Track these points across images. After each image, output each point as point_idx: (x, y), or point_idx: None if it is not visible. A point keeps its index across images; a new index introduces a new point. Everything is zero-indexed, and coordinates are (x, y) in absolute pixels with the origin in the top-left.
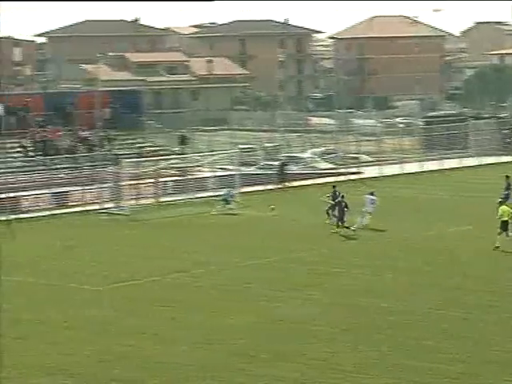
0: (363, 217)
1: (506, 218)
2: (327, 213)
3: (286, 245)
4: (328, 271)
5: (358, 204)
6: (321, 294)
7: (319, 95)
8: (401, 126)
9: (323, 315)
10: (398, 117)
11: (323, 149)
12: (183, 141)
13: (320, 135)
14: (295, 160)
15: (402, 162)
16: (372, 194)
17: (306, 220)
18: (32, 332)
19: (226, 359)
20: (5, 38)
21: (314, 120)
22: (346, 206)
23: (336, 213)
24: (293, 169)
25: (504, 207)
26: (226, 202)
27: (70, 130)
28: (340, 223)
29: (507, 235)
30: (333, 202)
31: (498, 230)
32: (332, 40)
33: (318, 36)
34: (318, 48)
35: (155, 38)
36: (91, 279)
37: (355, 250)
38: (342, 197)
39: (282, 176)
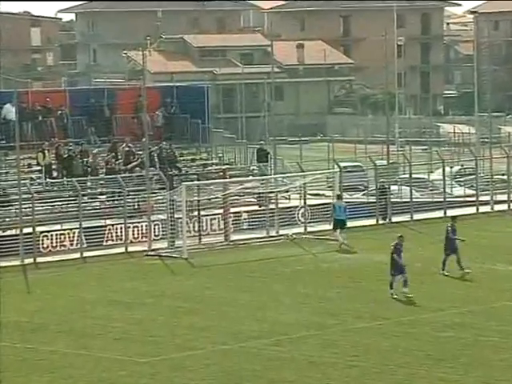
0: None
1: None
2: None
3: (405, 301)
4: (478, 341)
5: None
6: (456, 371)
7: (453, 93)
8: None
9: None
10: None
11: (459, 168)
12: (263, 156)
13: (454, 149)
14: (419, 183)
15: None
16: None
17: (433, 265)
18: None
19: None
20: (19, 14)
21: (446, 127)
22: None
23: None
24: (416, 195)
25: None
26: None
27: (107, 142)
28: None
29: None
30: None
31: None
32: (472, 16)
33: (453, 10)
34: (453, 27)
35: (225, 14)
36: (139, 348)
37: None
38: None
39: (384, 206)
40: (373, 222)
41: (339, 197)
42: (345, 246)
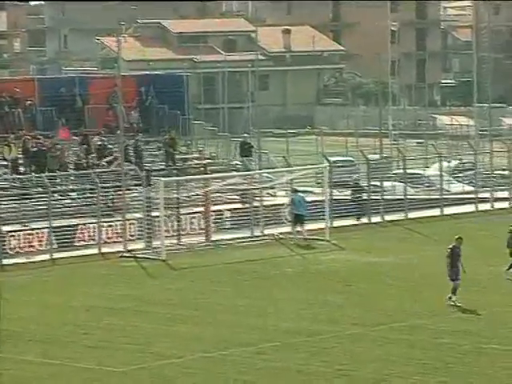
0: None
1: None
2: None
3: (402, 306)
4: (477, 348)
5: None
6: (454, 381)
7: (451, 82)
8: None
9: None
10: None
11: (457, 162)
12: (247, 150)
13: (452, 142)
14: (414, 179)
15: None
16: None
17: (431, 268)
18: None
19: None
20: None
21: (443, 119)
22: None
23: None
24: (410, 192)
25: None
26: None
27: (78, 134)
28: None
29: None
30: None
31: None
32: None
33: None
34: (450, 11)
35: None
36: (116, 357)
37: None
38: None
39: (358, 203)
40: (364, 220)
41: (295, 190)
42: (302, 242)
